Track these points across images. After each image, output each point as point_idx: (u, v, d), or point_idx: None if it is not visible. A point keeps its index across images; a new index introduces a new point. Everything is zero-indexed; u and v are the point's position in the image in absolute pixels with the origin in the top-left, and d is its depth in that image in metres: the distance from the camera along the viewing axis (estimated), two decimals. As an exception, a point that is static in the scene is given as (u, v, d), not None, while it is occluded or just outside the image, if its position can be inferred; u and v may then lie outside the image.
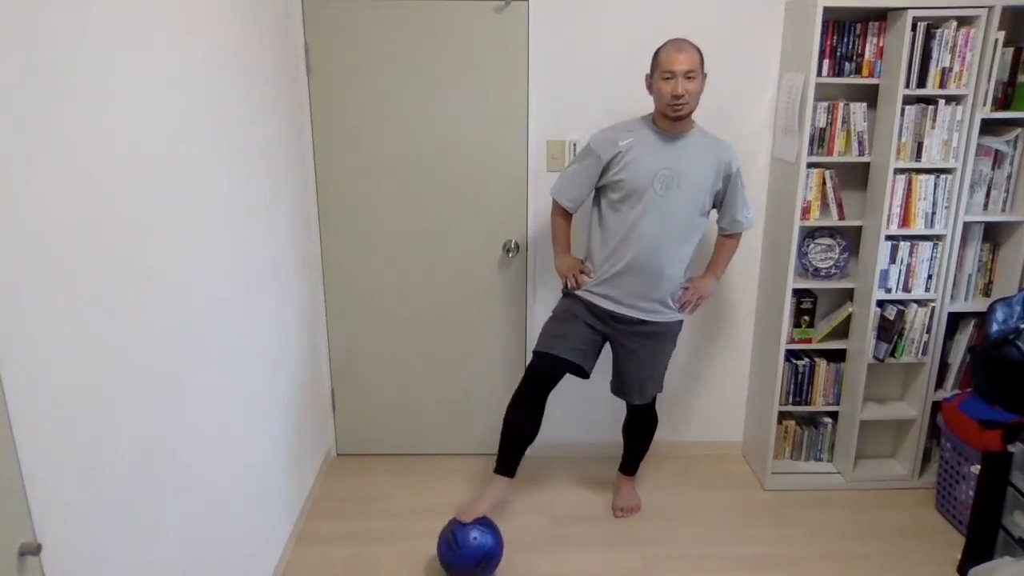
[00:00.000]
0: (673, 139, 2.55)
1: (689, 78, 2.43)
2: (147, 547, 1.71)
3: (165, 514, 1.80)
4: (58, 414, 1.38)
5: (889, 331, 2.97)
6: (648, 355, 2.72)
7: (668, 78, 2.44)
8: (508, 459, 2.74)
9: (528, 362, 2.77)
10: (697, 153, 2.56)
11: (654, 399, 2.86)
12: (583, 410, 3.29)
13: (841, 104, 2.85)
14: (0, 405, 1.22)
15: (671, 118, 2.50)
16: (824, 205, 2.96)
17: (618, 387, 2.83)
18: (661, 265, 2.60)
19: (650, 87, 2.54)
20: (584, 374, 2.71)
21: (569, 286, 2.73)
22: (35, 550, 1.28)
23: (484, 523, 2.60)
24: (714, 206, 2.69)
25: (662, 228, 2.56)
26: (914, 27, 2.67)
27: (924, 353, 3.02)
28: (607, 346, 2.77)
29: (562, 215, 2.75)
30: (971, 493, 2.71)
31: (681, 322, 2.77)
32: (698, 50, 2.46)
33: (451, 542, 2.54)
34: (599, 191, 2.66)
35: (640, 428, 2.95)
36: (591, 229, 2.72)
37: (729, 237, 2.78)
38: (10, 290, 1.25)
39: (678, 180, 2.53)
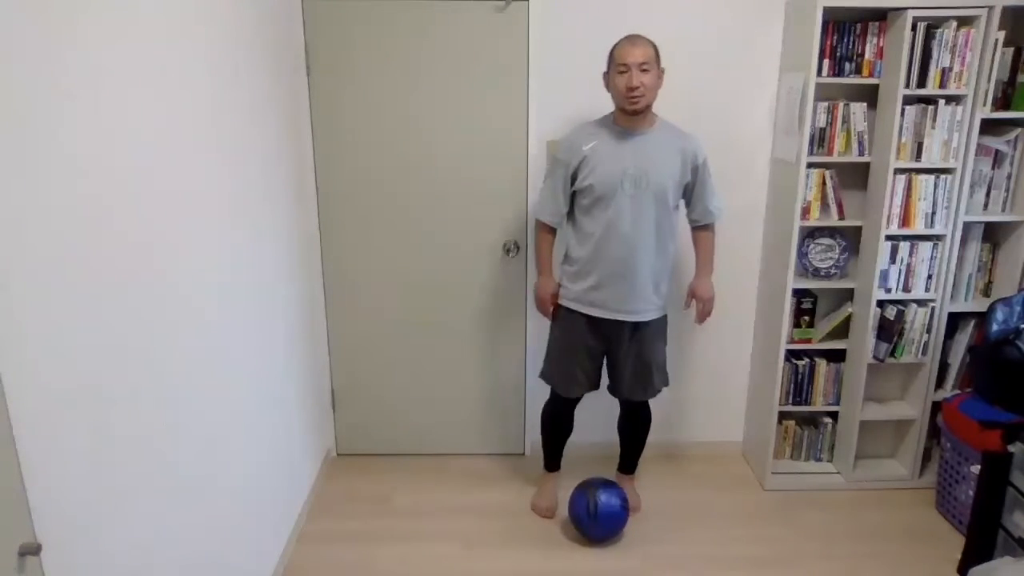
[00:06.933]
0: (636, 136, 2.56)
1: (644, 70, 2.45)
2: (147, 547, 1.71)
3: (165, 514, 1.80)
4: (58, 414, 1.38)
5: (889, 331, 2.97)
6: (646, 353, 2.73)
7: (623, 71, 2.46)
8: (551, 458, 3.09)
9: (540, 371, 2.93)
10: (662, 148, 2.56)
11: None
12: (584, 411, 3.28)
13: (841, 104, 2.85)
14: (0, 405, 1.22)
15: (628, 112, 2.51)
16: (824, 205, 2.96)
17: (618, 388, 2.83)
18: (641, 265, 2.60)
19: (607, 84, 2.56)
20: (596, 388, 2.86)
21: (548, 316, 2.83)
22: (35, 550, 1.28)
23: (610, 487, 2.81)
24: (682, 197, 2.69)
25: (636, 228, 2.56)
26: (914, 27, 2.67)
27: (924, 353, 3.02)
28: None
29: (546, 231, 2.77)
30: (971, 493, 2.71)
31: (666, 316, 2.78)
32: (653, 44, 2.49)
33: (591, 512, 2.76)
34: (571, 197, 2.68)
35: (636, 425, 2.96)
36: (568, 235, 2.74)
37: (704, 231, 2.78)
38: (9, 291, 1.25)
39: (646, 177, 2.53)
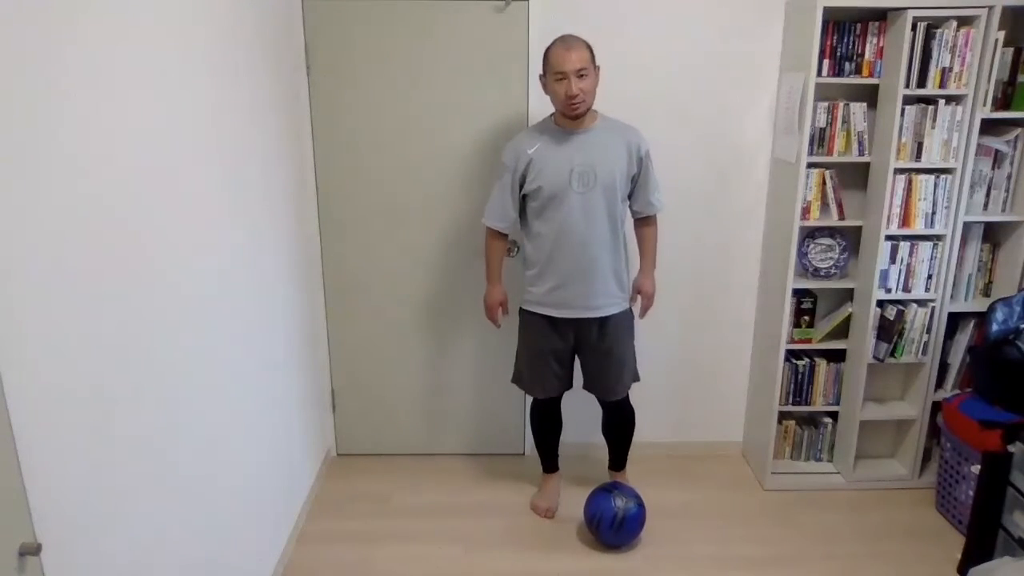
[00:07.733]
0: (579, 135, 2.57)
1: (581, 76, 2.45)
2: (147, 547, 1.71)
3: (164, 514, 1.80)
4: (58, 414, 1.38)
5: (889, 331, 2.97)
6: (614, 349, 2.74)
7: (561, 79, 2.46)
8: (547, 458, 3.08)
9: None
10: (606, 143, 2.57)
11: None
12: (581, 411, 3.29)
13: (841, 104, 2.84)
14: (0, 405, 1.22)
15: (569, 117, 2.53)
16: (824, 205, 2.96)
17: (592, 386, 2.85)
18: (599, 260, 2.62)
19: (545, 87, 2.56)
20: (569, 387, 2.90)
21: (496, 324, 2.88)
22: (35, 550, 1.28)
23: (627, 492, 2.79)
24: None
25: (589, 224, 2.57)
26: (914, 27, 2.67)
27: (924, 353, 3.02)
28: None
29: (496, 238, 2.78)
30: (971, 493, 2.71)
31: (631, 310, 2.79)
32: (587, 45, 2.48)
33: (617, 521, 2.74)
34: (522, 201, 2.68)
35: (619, 424, 2.98)
36: (523, 240, 2.74)
37: (646, 224, 2.79)
38: (9, 291, 1.25)
39: (594, 174, 2.54)
